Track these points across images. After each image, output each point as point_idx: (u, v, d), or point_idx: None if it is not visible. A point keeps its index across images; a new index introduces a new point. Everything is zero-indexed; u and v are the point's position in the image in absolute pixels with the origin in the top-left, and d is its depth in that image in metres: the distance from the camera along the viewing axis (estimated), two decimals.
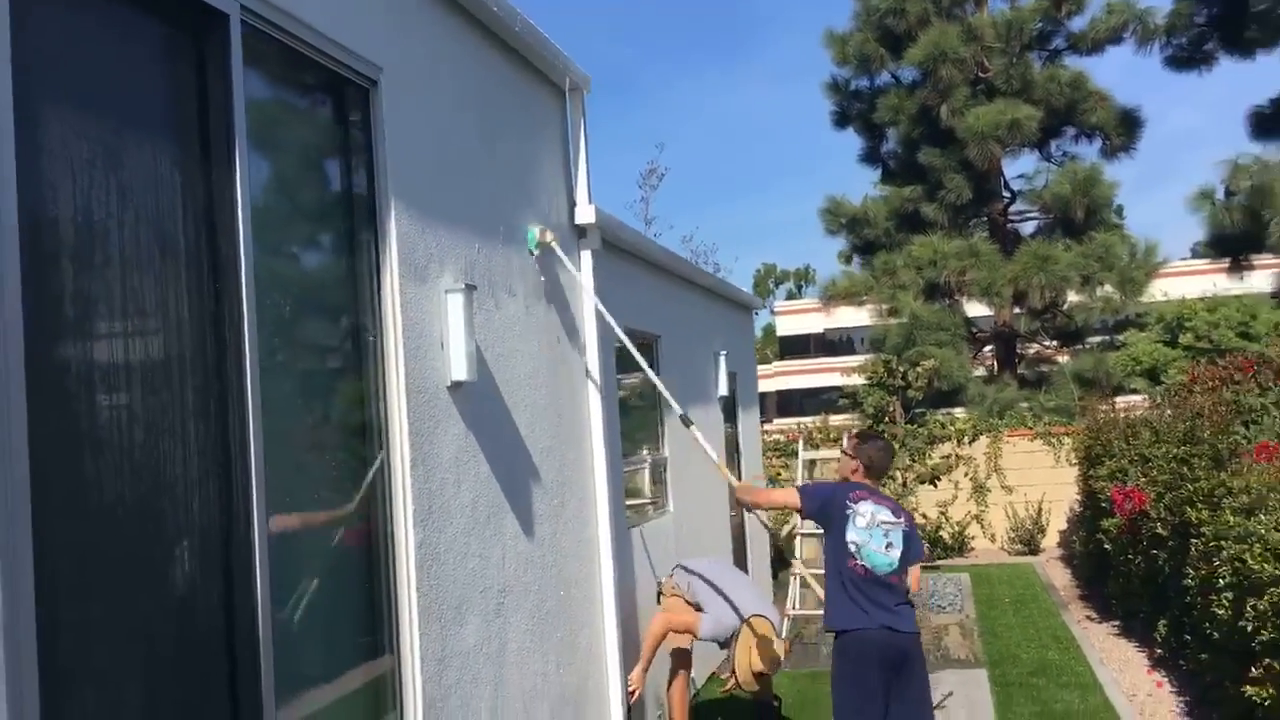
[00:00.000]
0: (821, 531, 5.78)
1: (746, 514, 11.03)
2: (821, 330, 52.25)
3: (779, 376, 52.25)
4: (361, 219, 4.11)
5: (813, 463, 11.54)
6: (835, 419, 19.26)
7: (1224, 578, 6.48)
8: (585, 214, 6.36)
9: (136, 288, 2.86)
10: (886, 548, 5.44)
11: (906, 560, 5.50)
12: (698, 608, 6.82)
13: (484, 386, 4.93)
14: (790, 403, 48.86)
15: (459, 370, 4.58)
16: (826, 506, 5.58)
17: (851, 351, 47.95)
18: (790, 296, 75.74)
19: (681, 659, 6.97)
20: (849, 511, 5.47)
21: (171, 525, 2.94)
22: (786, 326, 57.34)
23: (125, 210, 2.84)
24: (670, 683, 7.00)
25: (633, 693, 6.54)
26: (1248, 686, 5.90)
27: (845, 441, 6.12)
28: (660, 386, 6.53)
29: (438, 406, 4.48)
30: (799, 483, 5.92)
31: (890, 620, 5.37)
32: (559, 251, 5.91)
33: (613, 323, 6.24)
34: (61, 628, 2.49)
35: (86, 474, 2.65)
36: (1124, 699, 7.88)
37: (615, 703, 6.38)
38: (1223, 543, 6.58)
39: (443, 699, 4.32)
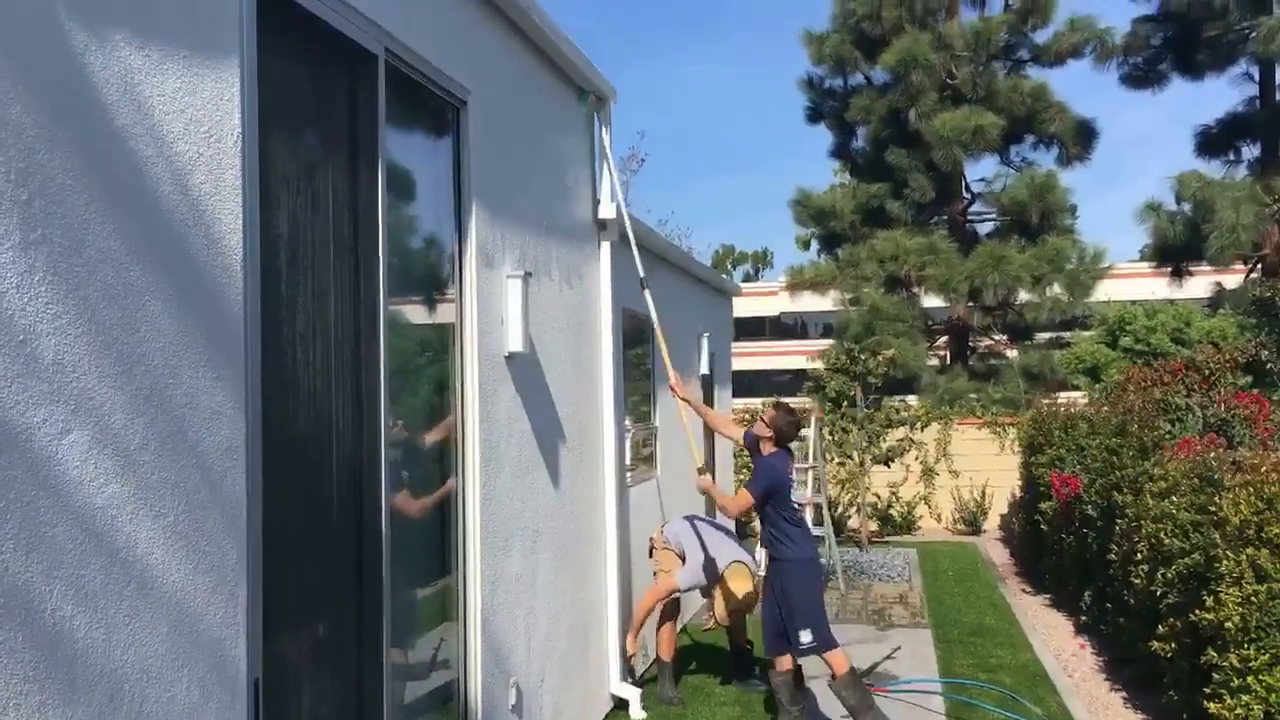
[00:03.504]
0: None
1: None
2: (777, 314, 53.36)
3: (734, 357, 53.20)
4: (451, 215, 4.97)
5: None
6: (787, 400, 20.26)
7: (1141, 552, 7.50)
8: (607, 210, 7.25)
9: (318, 270, 3.72)
10: None
11: None
12: (682, 556, 7.76)
13: (529, 358, 5.81)
14: (743, 383, 49.88)
15: (514, 343, 5.46)
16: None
17: (806, 336, 49.08)
18: (747, 279, 76.65)
19: (669, 610, 7.90)
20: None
21: (331, 447, 3.82)
22: (743, 308, 58.19)
23: (315, 211, 3.70)
24: (659, 627, 7.93)
25: (631, 655, 7.52)
26: (1154, 642, 6.93)
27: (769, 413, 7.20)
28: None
29: (498, 372, 5.37)
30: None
31: None
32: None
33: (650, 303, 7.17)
34: (272, 497, 3.36)
35: (289, 406, 3.53)
36: (1051, 657, 8.94)
37: (613, 632, 7.33)
38: (1142, 522, 7.61)
39: (493, 614, 5.22)
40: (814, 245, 28.63)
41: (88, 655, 2.55)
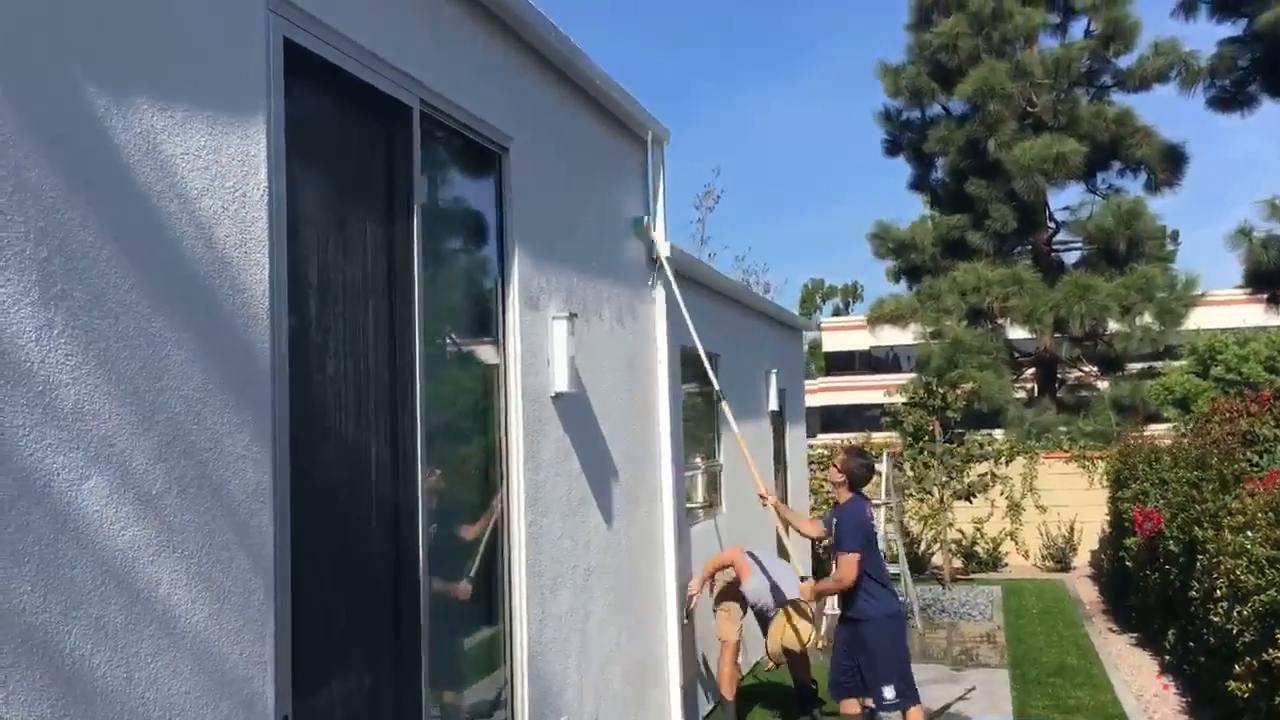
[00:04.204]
0: None
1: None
2: (867, 348, 52.81)
3: (824, 392, 52.88)
4: (493, 259, 5.07)
5: None
6: (877, 436, 20.04)
7: (1221, 589, 7.26)
8: (663, 249, 7.30)
9: (350, 316, 3.84)
10: None
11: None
12: None
13: (578, 397, 5.87)
14: (834, 419, 49.48)
15: (561, 383, 5.53)
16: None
17: (897, 369, 48.52)
18: (837, 313, 76.20)
19: (729, 593, 7.88)
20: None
21: (367, 488, 3.91)
22: (833, 343, 57.98)
23: (347, 259, 3.82)
24: (721, 666, 7.89)
25: (690, 598, 7.60)
26: (1231, 682, 6.69)
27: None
28: (712, 376, 7.75)
29: (544, 413, 5.43)
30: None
31: None
32: (656, 241, 7.33)
33: (696, 339, 7.21)
34: (302, 538, 3.45)
35: (321, 450, 3.63)
36: (1132, 698, 8.67)
37: (673, 670, 7.30)
38: (1221, 558, 7.37)
39: (541, 652, 5.26)
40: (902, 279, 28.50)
41: (107, 693, 2.65)
